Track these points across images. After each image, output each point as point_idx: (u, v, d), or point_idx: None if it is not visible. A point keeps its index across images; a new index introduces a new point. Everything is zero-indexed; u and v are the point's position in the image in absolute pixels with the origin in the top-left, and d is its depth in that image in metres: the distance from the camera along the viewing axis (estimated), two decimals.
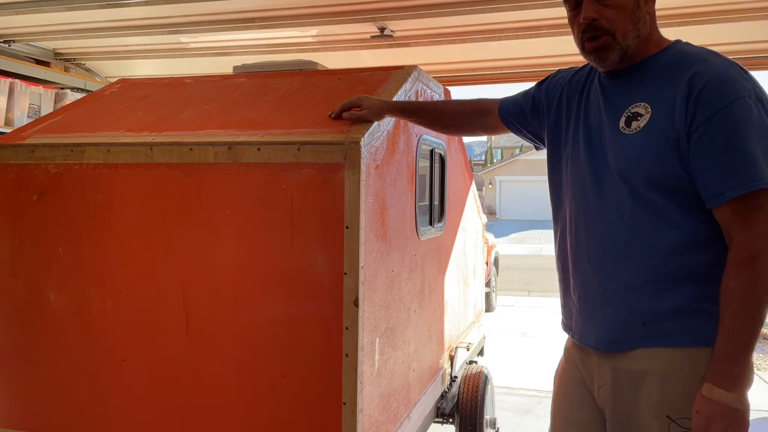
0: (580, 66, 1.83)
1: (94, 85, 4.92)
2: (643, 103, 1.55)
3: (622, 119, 1.58)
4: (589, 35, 1.59)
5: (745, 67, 1.51)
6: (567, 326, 1.80)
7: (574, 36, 1.65)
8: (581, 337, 1.71)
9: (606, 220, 1.61)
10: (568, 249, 1.73)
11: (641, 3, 1.57)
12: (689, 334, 1.52)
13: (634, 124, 1.55)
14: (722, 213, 1.46)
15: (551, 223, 1.89)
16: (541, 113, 1.89)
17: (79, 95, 4.60)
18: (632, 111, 1.57)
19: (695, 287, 1.51)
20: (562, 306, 1.82)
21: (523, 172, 32.87)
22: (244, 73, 2.97)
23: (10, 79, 4.22)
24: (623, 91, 1.62)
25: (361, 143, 1.98)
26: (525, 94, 1.97)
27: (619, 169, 1.57)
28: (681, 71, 1.51)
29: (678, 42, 1.62)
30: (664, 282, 1.53)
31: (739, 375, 1.42)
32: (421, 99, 2.72)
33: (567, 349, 1.83)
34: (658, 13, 1.62)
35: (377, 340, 2.16)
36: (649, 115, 1.53)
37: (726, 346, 1.43)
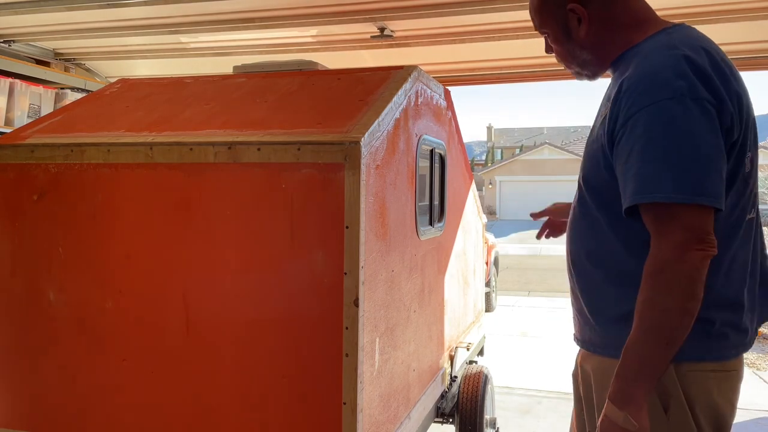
0: None
1: (94, 85, 4.92)
2: (602, 107, 1.57)
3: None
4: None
5: (706, 66, 1.38)
6: None
7: None
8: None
9: (569, 225, 1.67)
10: None
11: (573, 34, 1.60)
12: (615, 346, 1.43)
13: (594, 128, 1.57)
14: (645, 221, 1.38)
15: None
16: None
17: (79, 95, 4.60)
18: (600, 115, 1.57)
19: (625, 296, 1.44)
20: None
21: (523, 172, 32.86)
22: (244, 73, 2.97)
23: (10, 79, 4.21)
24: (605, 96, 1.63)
25: (361, 143, 1.98)
26: None
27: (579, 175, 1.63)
28: (623, 73, 1.48)
29: (656, 34, 1.52)
30: (597, 289, 1.54)
31: (631, 393, 1.34)
32: (420, 99, 2.72)
33: None
34: (659, 14, 1.61)
35: (377, 340, 2.16)
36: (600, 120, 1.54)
37: (623, 361, 1.36)
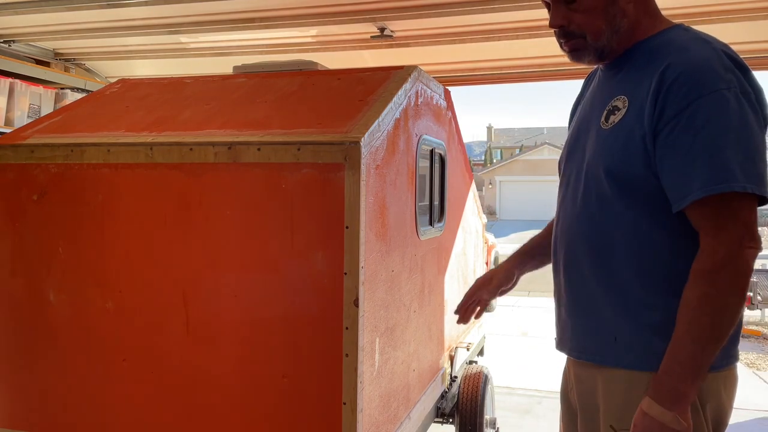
0: None
1: (94, 85, 4.92)
2: (622, 96, 1.45)
3: (604, 114, 1.49)
4: (562, 39, 1.53)
5: (741, 59, 1.39)
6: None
7: None
8: (558, 342, 1.66)
9: (574, 221, 1.54)
10: (552, 251, 1.68)
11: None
12: (645, 357, 1.40)
13: (611, 119, 1.45)
14: (692, 217, 1.34)
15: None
16: None
17: (79, 95, 4.59)
18: (612, 105, 1.47)
19: (664, 304, 1.38)
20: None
21: (523, 172, 32.86)
22: (244, 73, 2.97)
23: (10, 79, 4.21)
24: (610, 84, 1.53)
25: (361, 143, 1.98)
26: None
27: (589, 167, 1.49)
28: (659, 61, 1.39)
29: (671, 29, 1.51)
30: (628, 297, 1.43)
31: (684, 393, 1.31)
32: (421, 99, 2.72)
33: None
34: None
35: (377, 340, 2.16)
36: (625, 110, 1.43)
37: (673, 360, 1.32)
